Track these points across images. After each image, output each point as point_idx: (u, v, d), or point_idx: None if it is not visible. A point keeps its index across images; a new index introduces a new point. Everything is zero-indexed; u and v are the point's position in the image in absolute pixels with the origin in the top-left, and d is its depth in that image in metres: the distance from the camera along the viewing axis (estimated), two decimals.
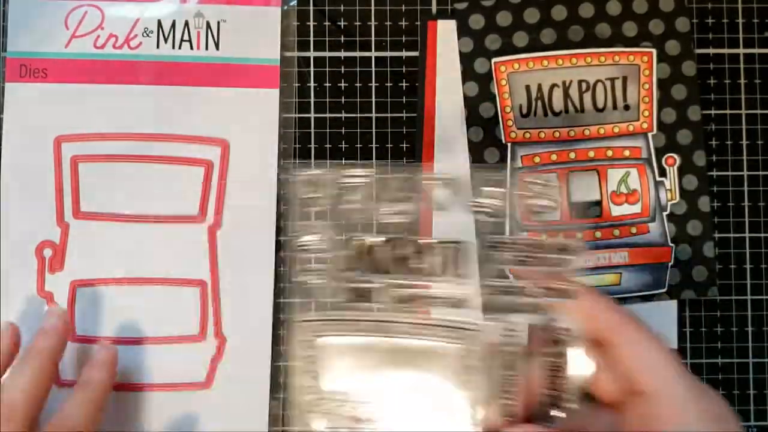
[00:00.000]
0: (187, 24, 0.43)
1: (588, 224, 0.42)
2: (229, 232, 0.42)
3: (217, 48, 0.43)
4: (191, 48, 0.42)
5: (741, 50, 0.43)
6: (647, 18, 0.42)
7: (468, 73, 0.42)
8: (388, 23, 0.43)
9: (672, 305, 0.42)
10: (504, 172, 0.42)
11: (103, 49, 0.42)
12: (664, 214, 0.42)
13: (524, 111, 0.42)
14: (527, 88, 0.42)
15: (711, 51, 0.43)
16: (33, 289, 0.41)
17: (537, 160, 0.42)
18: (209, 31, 0.43)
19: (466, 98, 0.42)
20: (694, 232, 0.42)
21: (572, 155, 0.42)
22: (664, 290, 0.42)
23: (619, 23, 0.42)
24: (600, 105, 0.42)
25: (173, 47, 0.42)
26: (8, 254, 0.41)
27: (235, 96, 0.42)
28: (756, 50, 0.43)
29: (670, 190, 0.42)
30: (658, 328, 0.41)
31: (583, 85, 0.42)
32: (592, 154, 0.42)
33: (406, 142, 0.43)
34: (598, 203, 0.42)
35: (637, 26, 0.42)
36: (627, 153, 0.42)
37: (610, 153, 0.42)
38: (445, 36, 0.43)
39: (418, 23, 0.43)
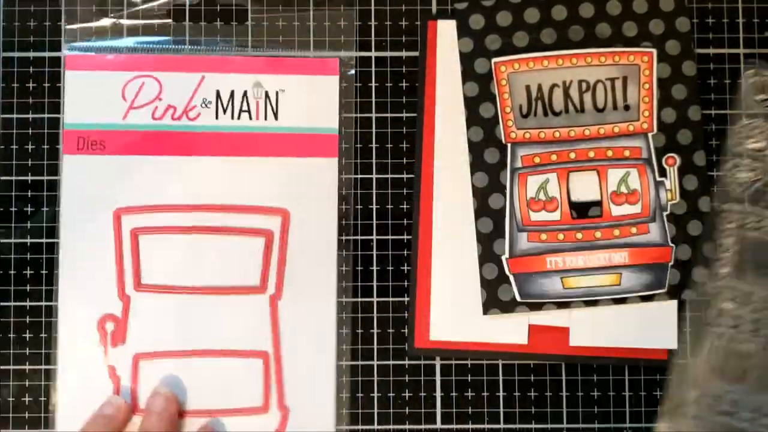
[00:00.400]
0: (245, 94, 0.43)
1: (588, 224, 0.42)
2: (290, 302, 0.42)
3: (276, 118, 0.43)
4: (250, 118, 0.43)
5: (741, 50, 0.43)
6: (647, 18, 0.42)
7: (468, 73, 0.42)
8: (388, 23, 0.43)
9: (672, 305, 0.42)
10: None
11: (161, 120, 0.42)
12: (665, 214, 0.42)
13: (524, 111, 0.42)
14: (527, 88, 0.42)
15: (711, 51, 0.43)
16: (97, 363, 0.41)
17: (537, 160, 0.42)
18: (268, 101, 0.43)
19: (466, 98, 0.42)
20: (694, 232, 0.42)
21: (572, 155, 0.42)
22: (664, 290, 0.42)
23: (620, 23, 0.42)
24: (600, 105, 0.42)
25: (232, 118, 0.43)
26: (69, 328, 0.41)
27: (295, 165, 0.42)
28: (756, 50, 0.43)
29: (671, 190, 0.42)
30: (658, 328, 0.42)
31: (584, 85, 0.42)
32: (592, 154, 0.42)
33: (406, 142, 0.43)
34: (599, 203, 0.42)
35: (637, 26, 0.42)
36: (627, 153, 0.42)
37: (610, 153, 0.42)
38: (445, 36, 0.43)
39: (418, 23, 0.43)
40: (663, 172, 0.42)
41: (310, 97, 0.43)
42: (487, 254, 0.41)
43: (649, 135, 0.42)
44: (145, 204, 0.42)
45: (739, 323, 0.40)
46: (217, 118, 0.42)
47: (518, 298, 0.41)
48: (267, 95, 0.43)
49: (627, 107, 0.42)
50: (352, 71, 0.43)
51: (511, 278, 0.41)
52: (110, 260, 0.42)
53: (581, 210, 0.42)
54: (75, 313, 0.41)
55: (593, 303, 0.41)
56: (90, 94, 0.42)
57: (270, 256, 0.42)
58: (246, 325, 0.42)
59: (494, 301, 0.41)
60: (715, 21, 0.43)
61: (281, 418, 0.41)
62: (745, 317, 0.40)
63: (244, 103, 0.43)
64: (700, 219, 0.42)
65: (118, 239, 0.42)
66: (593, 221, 0.42)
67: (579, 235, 0.41)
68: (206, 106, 0.42)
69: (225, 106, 0.42)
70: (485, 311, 0.41)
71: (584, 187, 0.42)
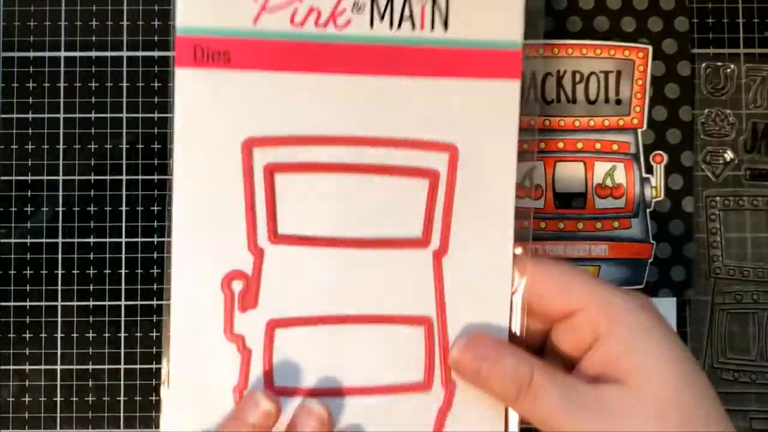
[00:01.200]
0: None
1: (571, 215, 0.42)
2: (458, 258, 0.34)
3: (446, 28, 0.34)
4: (413, 28, 0.34)
5: (741, 50, 0.43)
6: (646, 15, 0.42)
7: None
8: None
9: (671, 304, 0.42)
10: None
11: (303, 28, 0.33)
12: (648, 210, 0.42)
13: None
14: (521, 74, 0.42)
15: (711, 51, 0.43)
16: (220, 332, 0.33)
17: (525, 146, 0.42)
18: (436, 6, 0.34)
19: None
20: (675, 231, 0.42)
21: (560, 145, 0.42)
22: (642, 287, 0.42)
23: (618, 18, 0.42)
24: (592, 97, 0.42)
25: (391, 27, 0.34)
26: (187, 288, 0.33)
27: (467, 89, 0.34)
28: (756, 50, 0.43)
29: (656, 187, 0.42)
30: None
31: (577, 76, 0.42)
32: (580, 145, 0.42)
33: None
34: (583, 195, 0.42)
35: (635, 22, 0.42)
36: (615, 147, 0.42)
37: (598, 146, 0.42)
38: None
39: None
40: (649, 169, 0.42)
41: (488, 2, 0.34)
42: None
43: (639, 131, 0.42)
44: (282, 134, 0.33)
45: None
46: (372, 26, 0.34)
47: None
48: None
49: (619, 101, 0.42)
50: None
51: None
52: (239, 204, 0.33)
53: (565, 200, 0.42)
54: (193, 270, 0.33)
55: None
56: None
57: (435, 203, 0.34)
58: (405, 286, 0.34)
59: None
60: (715, 21, 0.43)
61: (446, 395, 0.34)
62: None
63: (407, 8, 0.34)
64: (683, 219, 0.42)
65: (249, 178, 0.33)
66: (576, 212, 0.42)
67: (561, 225, 0.41)
68: (358, 10, 0.34)
69: (382, 10, 0.34)
70: None
71: (570, 177, 0.42)
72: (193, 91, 0.33)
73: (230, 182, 0.33)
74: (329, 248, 0.34)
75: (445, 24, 0.34)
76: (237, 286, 0.33)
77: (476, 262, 0.34)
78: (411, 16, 0.34)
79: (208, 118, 0.33)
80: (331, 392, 0.33)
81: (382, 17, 0.34)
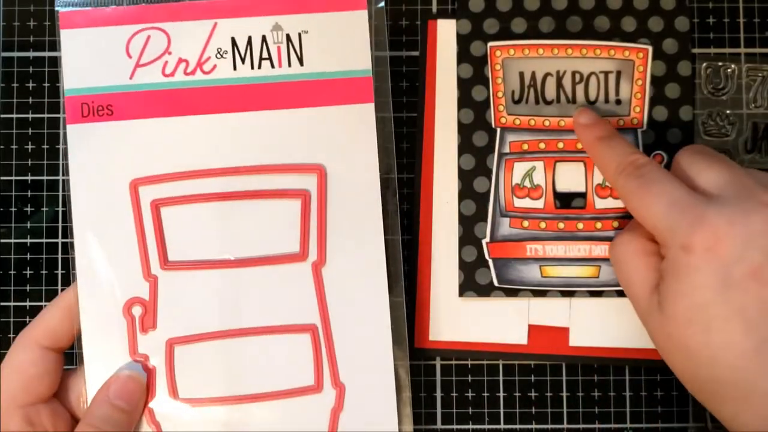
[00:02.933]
0: (264, 39, 0.38)
1: (571, 215, 0.42)
2: (335, 268, 0.38)
3: (301, 63, 0.38)
4: (272, 66, 0.38)
5: (742, 50, 0.43)
6: (647, 15, 0.42)
7: (463, 55, 0.42)
8: (389, 23, 0.43)
9: None
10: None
11: (173, 77, 0.38)
12: None
13: (516, 97, 0.42)
14: (521, 74, 0.42)
15: (712, 50, 0.43)
16: (126, 353, 0.37)
17: (525, 147, 0.42)
18: (290, 45, 0.38)
19: (459, 79, 0.42)
20: None
21: (560, 145, 0.42)
22: None
23: (618, 18, 0.42)
24: (592, 97, 0.42)
25: (252, 67, 0.38)
26: (92, 316, 0.37)
27: (328, 115, 0.38)
28: (757, 50, 0.43)
29: None
30: None
31: (577, 77, 0.42)
32: (580, 145, 0.42)
33: (406, 142, 0.43)
34: (583, 195, 0.42)
35: (636, 22, 0.42)
36: None
37: None
38: (445, 36, 0.43)
39: (419, 23, 0.43)
40: None
41: (337, 36, 0.38)
42: (468, 237, 0.41)
43: (639, 131, 0.42)
44: (164, 172, 0.38)
45: None
46: (235, 68, 0.38)
47: (496, 283, 0.41)
48: (289, 38, 0.38)
49: (619, 101, 0.42)
50: (382, 3, 0.39)
51: (490, 262, 0.41)
52: (131, 238, 0.37)
53: (565, 200, 0.41)
54: (97, 300, 0.37)
55: (570, 294, 0.41)
56: (90, 54, 0.38)
57: (308, 219, 0.38)
58: (289, 297, 0.38)
59: (471, 283, 0.41)
60: (716, 20, 0.43)
61: (337, 396, 0.37)
62: None
63: (264, 50, 0.38)
64: None
65: (138, 214, 0.37)
66: (576, 212, 0.41)
67: (561, 225, 0.41)
68: (222, 56, 0.38)
69: (243, 54, 0.38)
70: (461, 293, 0.41)
71: (570, 177, 0.41)
72: (83, 142, 0.37)
73: (122, 219, 0.37)
74: (215, 270, 0.37)
75: (300, 60, 0.38)
76: (137, 311, 0.37)
77: (354, 270, 0.38)
78: (269, 56, 0.38)
79: (98, 165, 0.37)
80: (231, 400, 0.37)
81: (243, 60, 0.38)
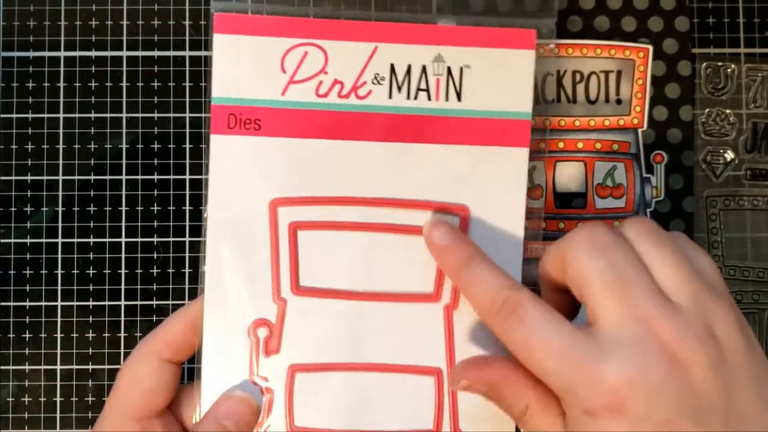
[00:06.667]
0: (424, 70, 0.36)
1: (571, 215, 0.42)
2: (468, 312, 0.36)
3: (459, 99, 0.36)
4: (428, 99, 0.36)
5: (742, 50, 0.43)
6: (647, 15, 0.42)
7: None
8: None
9: None
10: None
11: (327, 98, 0.36)
12: (648, 210, 0.42)
13: None
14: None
15: (711, 50, 0.43)
16: (245, 374, 0.36)
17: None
18: (450, 78, 0.36)
19: None
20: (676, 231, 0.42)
21: (561, 144, 0.42)
22: None
23: (618, 17, 0.42)
24: (593, 97, 0.42)
25: (408, 97, 0.36)
26: (216, 333, 0.36)
27: (478, 155, 0.36)
28: (757, 50, 0.43)
29: (656, 187, 0.42)
30: None
31: (577, 76, 0.42)
32: (580, 145, 0.42)
33: None
34: (583, 195, 0.42)
35: (636, 22, 0.42)
36: (616, 147, 0.42)
37: (598, 146, 0.42)
38: None
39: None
40: (650, 169, 0.42)
41: (501, 74, 0.36)
42: None
43: (639, 131, 0.42)
44: (305, 195, 0.36)
45: None
46: (390, 97, 0.36)
47: None
48: (450, 71, 0.36)
49: (619, 101, 0.42)
50: (552, 44, 0.38)
51: None
52: (265, 258, 0.36)
53: (565, 200, 0.42)
54: (223, 317, 0.36)
55: None
56: (244, 63, 0.36)
57: None
58: (417, 338, 0.36)
59: None
60: (716, 20, 0.43)
61: None
62: None
63: (423, 81, 0.36)
64: (683, 219, 0.42)
65: (275, 234, 0.36)
66: (577, 212, 0.42)
67: (561, 225, 0.41)
68: (379, 82, 0.36)
69: (400, 83, 0.36)
70: None
71: (570, 177, 0.42)
72: (226, 155, 0.36)
73: (258, 238, 0.36)
74: (346, 300, 0.36)
75: (459, 95, 0.36)
76: (262, 333, 0.36)
77: None
78: (427, 88, 0.36)
79: (239, 180, 0.36)
80: None
81: (400, 89, 0.36)
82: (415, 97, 0.36)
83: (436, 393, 0.36)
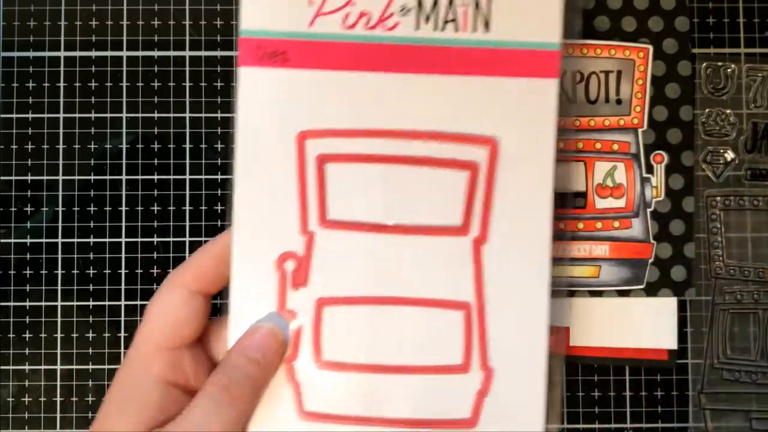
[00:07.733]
0: (452, 0, 0.36)
1: (571, 215, 0.42)
2: (497, 246, 0.35)
3: (487, 29, 0.36)
4: (456, 30, 0.35)
5: (742, 50, 0.43)
6: (647, 14, 0.42)
7: None
8: None
9: (672, 304, 0.42)
10: None
11: (354, 30, 0.36)
12: (648, 210, 0.42)
13: None
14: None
15: (712, 50, 0.43)
16: (273, 307, 0.35)
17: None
18: (478, 8, 0.36)
19: None
20: (676, 231, 0.42)
21: (560, 145, 0.42)
22: (642, 287, 0.42)
23: (618, 17, 0.42)
24: (593, 97, 0.42)
25: (435, 28, 0.35)
26: (244, 266, 0.35)
27: (507, 87, 0.35)
28: (757, 50, 0.43)
29: (656, 187, 0.42)
30: (658, 327, 0.42)
31: (577, 76, 0.42)
32: (580, 145, 0.42)
33: None
34: (583, 194, 0.42)
35: (636, 22, 0.42)
36: (616, 147, 0.42)
37: (599, 145, 0.42)
38: None
39: None
40: (650, 169, 0.42)
41: (528, 4, 0.36)
42: None
43: (639, 131, 0.42)
44: (333, 127, 0.36)
45: None
46: (417, 28, 0.35)
47: None
48: (477, 2, 0.36)
49: (619, 101, 0.42)
50: None
51: None
52: (292, 191, 0.35)
53: (565, 200, 0.42)
54: (251, 249, 0.35)
55: (570, 294, 0.41)
56: None
57: (475, 193, 0.36)
58: (445, 271, 0.35)
59: None
60: (716, 20, 0.43)
61: (484, 378, 0.35)
62: None
63: (450, 12, 0.36)
64: (683, 219, 0.42)
65: (302, 167, 0.35)
66: (577, 212, 0.42)
67: (561, 225, 0.41)
68: (405, 14, 0.35)
69: (428, 14, 0.36)
70: None
71: (570, 177, 0.42)
72: (254, 87, 0.35)
73: (285, 171, 0.35)
74: (374, 233, 0.35)
75: (487, 26, 0.35)
76: (289, 265, 0.35)
77: (515, 251, 0.35)
78: (454, 18, 0.36)
79: (267, 112, 0.35)
80: (374, 368, 0.35)
81: (427, 20, 0.35)
82: (443, 29, 0.36)
83: (464, 328, 0.35)
